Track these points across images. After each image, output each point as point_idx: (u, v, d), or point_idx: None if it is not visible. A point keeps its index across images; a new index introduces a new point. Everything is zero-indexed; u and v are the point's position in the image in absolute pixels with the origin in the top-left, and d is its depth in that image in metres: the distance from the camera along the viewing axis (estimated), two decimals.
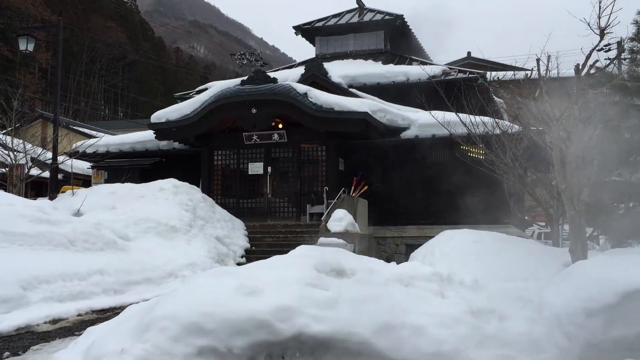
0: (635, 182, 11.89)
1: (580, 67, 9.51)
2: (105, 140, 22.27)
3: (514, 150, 13.67)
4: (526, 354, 6.26)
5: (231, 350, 5.47)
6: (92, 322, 8.39)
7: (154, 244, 13.30)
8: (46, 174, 21.11)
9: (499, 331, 6.43)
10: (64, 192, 19.06)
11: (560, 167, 9.63)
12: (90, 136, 29.49)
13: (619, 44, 17.30)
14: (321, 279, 6.61)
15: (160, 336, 5.31)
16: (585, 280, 7.90)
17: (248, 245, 16.54)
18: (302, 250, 8.39)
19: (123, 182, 17.20)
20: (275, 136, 18.85)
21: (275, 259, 7.65)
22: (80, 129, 36.08)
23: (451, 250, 11.94)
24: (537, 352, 6.37)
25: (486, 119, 15.31)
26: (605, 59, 11.88)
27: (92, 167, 22.10)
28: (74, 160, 20.60)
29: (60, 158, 19.73)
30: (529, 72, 12.45)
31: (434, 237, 13.56)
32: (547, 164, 12.59)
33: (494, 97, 18.87)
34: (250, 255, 15.55)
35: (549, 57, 9.94)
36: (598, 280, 7.74)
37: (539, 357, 6.26)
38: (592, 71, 9.81)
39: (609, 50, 19.45)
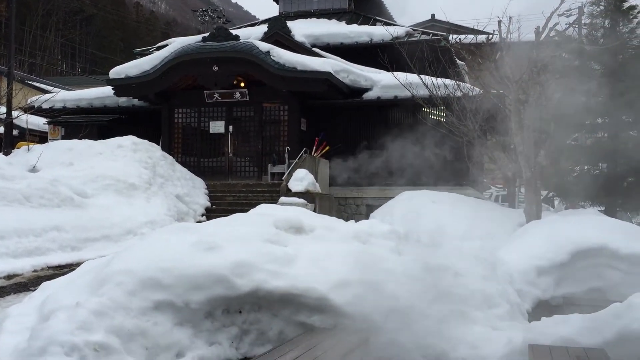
0: (590, 146, 12.17)
1: (540, 29, 9.60)
2: (62, 96, 21.69)
3: (474, 113, 13.81)
4: (479, 310, 6.41)
5: (188, 304, 5.48)
6: (49, 278, 8.27)
7: (113, 201, 13.12)
8: (0, 129, 20.54)
9: (453, 287, 6.56)
10: (19, 148, 18.62)
11: (518, 129, 9.79)
12: (46, 91, 28.68)
13: (580, 9, 17.47)
14: (280, 235, 6.64)
15: (117, 290, 5.28)
16: (537, 240, 8.13)
17: (209, 204, 16.46)
18: (262, 208, 8.41)
19: (81, 139, 16.83)
20: (237, 95, 18.62)
21: (235, 216, 7.66)
22: (36, 84, 35.03)
23: (410, 210, 12.12)
24: (490, 307, 6.53)
25: (448, 81, 15.40)
26: (566, 24, 11.98)
27: (49, 123, 21.56)
28: (30, 115, 20.04)
29: (14, 113, 19.19)
30: (490, 35, 12.52)
31: (394, 197, 13.72)
32: (507, 127, 12.78)
33: (456, 59, 18.94)
34: (211, 214, 15.48)
35: (510, 18, 9.99)
36: (550, 240, 7.98)
37: (491, 312, 6.43)
38: (552, 34, 9.91)
39: (570, 15, 19.64)
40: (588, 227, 8.09)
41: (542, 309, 7.26)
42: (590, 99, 11.52)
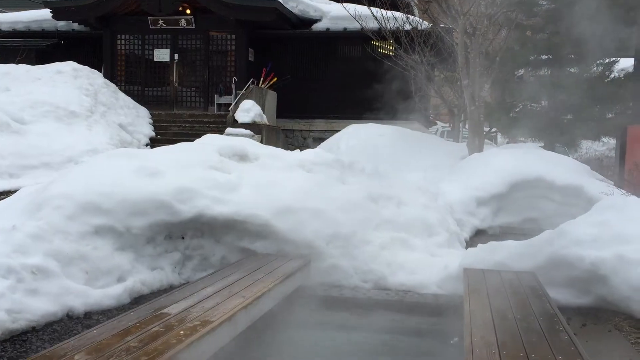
0: (533, 82, 12.37)
1: None
2: None
3: (422, 47, 13.81)
4: (419, 238, 6.58)
5: (130, 230, 5.43)
6: None
7: (52, 128, 12.70)
8: None
9: (395, 216, 6.70)
10: None
11: (464, 62, 9.84)
12: None
13: None
14: (224, 162, 6.60)
15: (55, 214, 5.18)
16: (478, 172, 8.33)
17: (153, 133, 16.13)
18: (207, 138, 8.31)
19: (17, 63, 16.12)
20: (183, 22, 18.05)
21: (179, 144, 7.55)
22: None
23: (357, 142, 12.18)
24: (430, 235, 6.71)
25: (397, 14, 15.28)
26: None
27: None
28: None
29: None
30: None
31: (341, 130, 13.74)
32: (454, 62, 12.86)
33: None
34: (155, 144, 15.18)
35: None
36: (489, 172, 8.19)
37: (431, 240, 6.61)
38: None
39: None
40: (526, 159, 8.32)
41: (480, 237, 7.51)
42: (536, 34, 11.63)
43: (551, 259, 5.02)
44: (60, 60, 16.16)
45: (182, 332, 3.32)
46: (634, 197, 5.65)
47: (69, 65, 15.50)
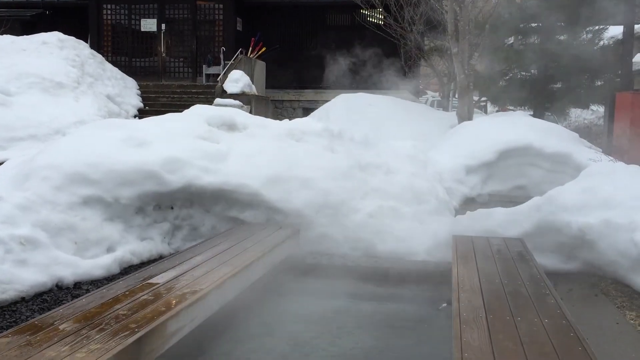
0: (522, 50, 12.31)
1: None
2: None
3: (412, 15, 13.70)
4: (408, 205, 6.58)
5: (118, 200, 5.41)
6: None
7: (39, 100, 12.55)
8: None
9: (384, 184, 6.69)
10: None
11: (453, 30, 9.78)
12: None
13: None
14: (212, 132, 6.56)
15: (43, 185, 5.15)
16: (467, 140, 8.33)
17: (141, 104, 16.00)
18: (196, 108, 8.24)
19: (2, 34, 15.87)
20: None
21: (167, 115, 7.48)
22: None
23: (346, 112, 12.14)
24: (419, 203, 6.72)
25: None
26: None
27: None
28: None
29: None
30: None
31: (330, 100, 13.70)
32: (444, 30, 12.76)
33: None
34: (144, 115, 15.02)
35: None
36: (479, 140, 8.20)
37: (420, 208, 6.61)
38: None
39: None
40: (515, 127, 8.33)
41: (469, 205, 7.53)
42: (526, 1, 11.55)
43: (539, 225, 5.05)
44: (45, 31, 15.92)
45: (171, 300, 3.32)
46: (621, 164, 5.67)
47: (55, 36, 15.27)
